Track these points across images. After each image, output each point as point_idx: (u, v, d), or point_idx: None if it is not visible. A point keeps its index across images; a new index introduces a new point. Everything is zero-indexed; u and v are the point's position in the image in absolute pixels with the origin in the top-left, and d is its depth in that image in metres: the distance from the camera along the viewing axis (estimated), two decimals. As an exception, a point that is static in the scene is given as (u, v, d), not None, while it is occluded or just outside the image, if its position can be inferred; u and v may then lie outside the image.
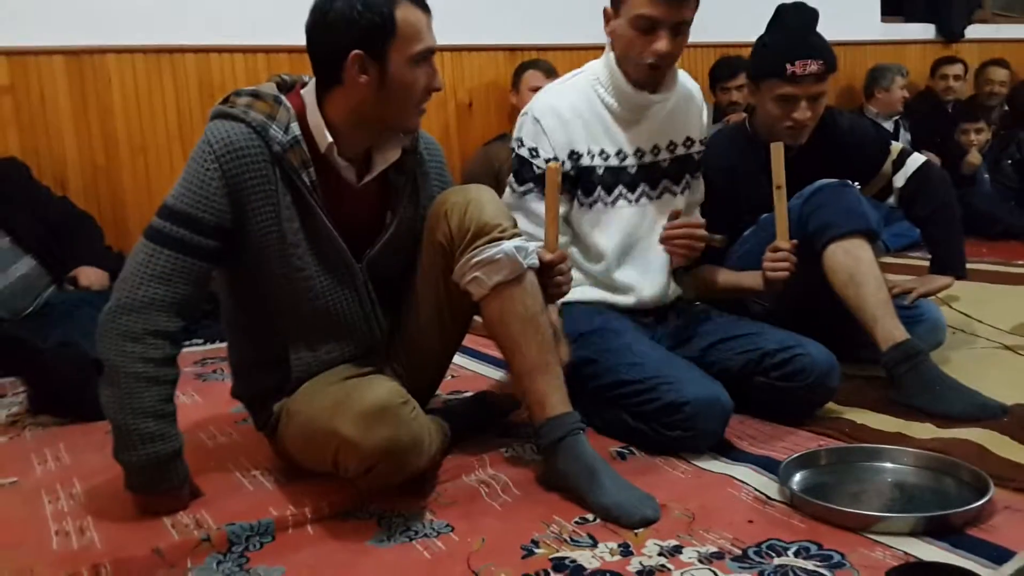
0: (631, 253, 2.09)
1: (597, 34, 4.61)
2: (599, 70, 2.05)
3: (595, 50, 2.06)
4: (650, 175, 2.10)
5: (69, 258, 2.91)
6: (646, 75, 1.97)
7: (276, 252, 1.63)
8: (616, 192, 2.06)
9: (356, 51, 1.56)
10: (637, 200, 2.08)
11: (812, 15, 2.26)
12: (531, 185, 2.02)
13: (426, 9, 1.62)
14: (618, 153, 2.06)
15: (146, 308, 1.55)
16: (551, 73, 4.00)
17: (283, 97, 1.64)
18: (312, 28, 1.61)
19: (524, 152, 2.03)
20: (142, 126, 3.51)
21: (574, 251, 2.08)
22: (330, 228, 1.65)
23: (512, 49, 4.25)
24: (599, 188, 2.05)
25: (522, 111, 2.09)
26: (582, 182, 2.04)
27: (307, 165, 1.62)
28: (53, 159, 3.36)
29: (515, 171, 2.05)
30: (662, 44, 1.91)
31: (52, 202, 3.07)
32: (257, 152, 1.58)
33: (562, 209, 1.99)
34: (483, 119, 4.23)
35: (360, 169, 1.70)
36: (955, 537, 1.41)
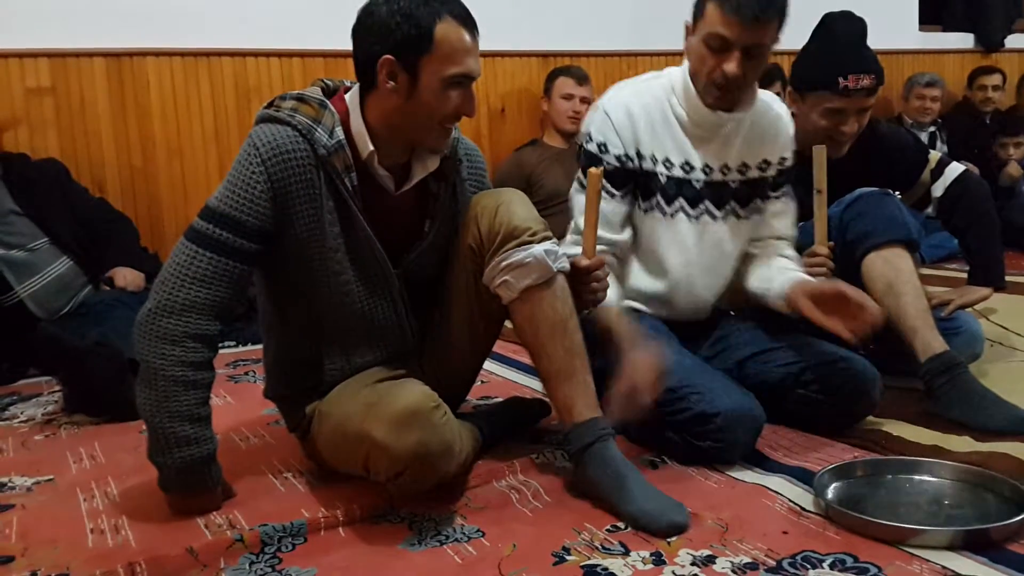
0: (688, 271, 2.02)
1: (630, 41, 4.62)
2: (676, 79, 1.97)
3: (628, 57, 2.05)
4: (716, 194, 2.00)
5: (105, 259, 2.94)
6: (714, 96, 1.89)
7: (316, 256, 1.64)
8: (676, 204, 1.99)
9: (388, 56, 1.56)
10: (698, 217, 2.00)
11: (862, 26, 2.24)
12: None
13: (473, 32, 1.60)
14: (684, 165, 1.97)
15: (186, 311, 1.56)
16: (583, 80, 4.00)
17: (328, 102, 1.64)
18: (354, 30, 1.62)
19: (592, 147, 1.96)
20: (179, 128, 3.55)
21: (635, 263, 2.04)
22: (370, 234, 1.66)
23: (545, 55, 4.25)
24: (658, 196, 1.98)
25: (594, 104, 2.04)
26: (642, 185, 1.98)
27: (350, 170, 1.62)
28: (91, 160, 3.40)
29: (582, 167, 1.97)
30: (731, 66, 1.82)
31: (90, 203, 3.10)
32: (303, 156, 1.59)
33: (623, 208, 1.97)
34: (515, 125, 4.23)
35: (398, 177, 1.70)
36: (994, 552, 1.39)
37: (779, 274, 1.98)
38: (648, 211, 1.99)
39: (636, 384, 1.71)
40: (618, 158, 1.94)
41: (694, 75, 1.91)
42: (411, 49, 1.56)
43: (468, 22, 1.60)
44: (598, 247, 1.82)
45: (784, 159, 2.07)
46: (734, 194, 2.02)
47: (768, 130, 2.03)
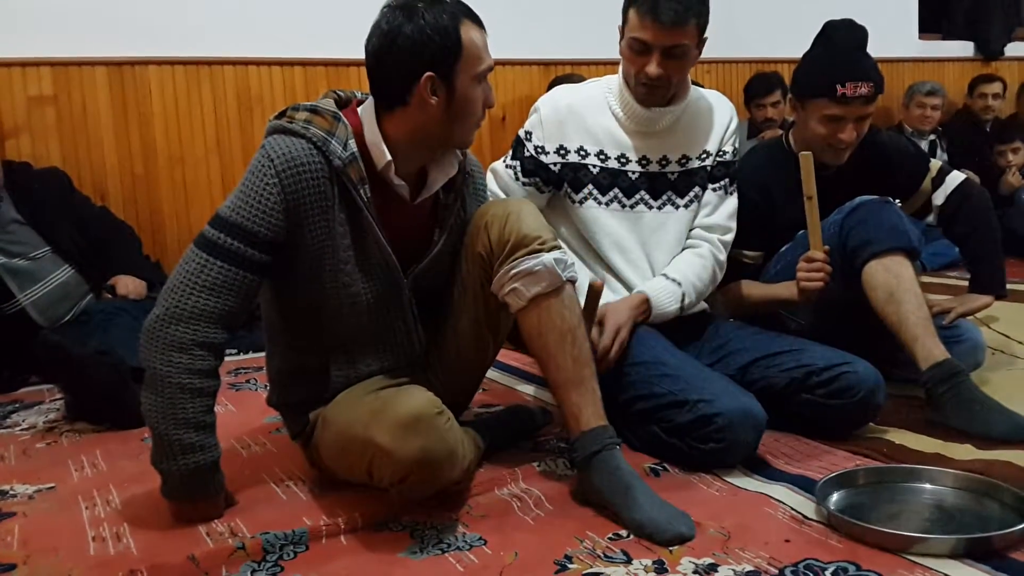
0: (626, 259, 2.09)
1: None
2: (613, 81, 2.11)
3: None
4: (653, 184, 2.10)
5: (107, 267, 2.94)
6: (641, 94, 2.02)
7: (327, 267, 1.64)
8: (611, 195, 2.08)
9: (429, 73, 1.58)
10: (633, 207, 2.09)
11: (863, 34, 2.24)
12: (517, 163, 2.11)
13: (483, 27, 1.66)
14: (620, 157, 2.08)
15: (195, 319, 1.56)
16: (584, 88, 4.01)
17: (340, 114, 1.65)
18: (379, 50, 1.61)
19: (521, 133, 2.13)
20: (180, 137, 3.56)
21: (576, 256, 2.11)
22: (384, 244, 1.66)
23: (546, 64, 4.27)
24: (591, 186, 2.08)
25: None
26: (571, 179, 2.08)
27: (364, 182, 1.63)
28: (93, 169, 3.41)
29: (512, 148, 2.14)
30: (651, 67, 1.96)
31: (92, 212, 3.11)
32: (317, 168, 1.59)
33: (537, 204, 1.98)
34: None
35: (413, 186, 1.71)
36: (996, 560, 1.39)
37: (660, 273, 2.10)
38: (582, 202, 2.09)
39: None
40: (536, 148, 2.08)
41: (625, 76, 2.05)
42: (446, 60, 1.59)
43: (477, 19, 1.65)
44: None
45: (724, 152, 2.15)
46: (672, 185, 2.12)
47: (705, 121, 2.14)
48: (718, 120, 2.15)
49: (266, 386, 1.89)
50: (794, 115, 2.34)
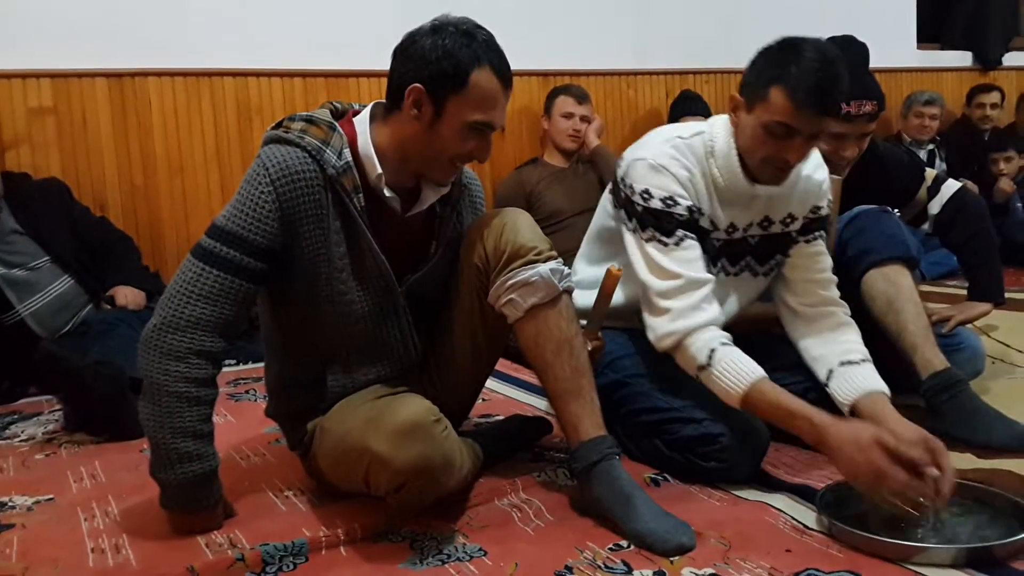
0: None
1: (630, 60, 4.64)
2: (718, 142, 1.86)
3: (628, 76, 2.04)
4: (733, 251, 1.95)
5: (106, 277, 2.94)
6: (770, 176, 1.83)
7: (322, 276, 1.65)
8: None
9: (417, 84, 1.58)
10: (716, 275, 1.90)
11: (865, 52, 2.25)
12: (681, 232, 1.82)
13: (507, 84, 1.62)
14: (710, 223, 1.90)
15: (191, 327, 1.56)
16: (583, 99, 4.02)
17: (336, 124, 1.66)
18: (395, 52, 1.64)
19: (657, 204, 1.82)
20: (180, 148, 3.56)
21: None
22: (377, 252, 1.66)
23: (545, 74, 4.27)
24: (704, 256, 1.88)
25: (633, 158, 1.88)
26: (700, 240, 1.87)
27: (358, 191, 1.63)
28: (93, 179, 3.41)
29: (653, 226, 1.82)
30: (795, 155, 1.76)
31: (91, 222, 3.11)
32: (312, 177, 1.60)
33: (699, 253, 1.83)
34: (515, 143, 4.25)
35: (406, 200, 1.71)
36: (998, 570, 1.39)
37: (838, 366, 1.85)
38: None
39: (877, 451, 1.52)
40: (689, 209, 1.83)
41: (746, 153, 1.83)
42: (443, 84, 1.58)
43: (504, 75, 1.62)
44: (702, 292, 1.78)
45: (818, 208, 1.98)
46: (752, 250, 1.97)
47: (797, 188, 1.94)
48: (809, 184, 1.95)
49: (265, 397, 1.88)
50: None
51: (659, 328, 1.79)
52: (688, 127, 1.94)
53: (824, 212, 1.99)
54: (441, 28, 1.60)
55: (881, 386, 1.79)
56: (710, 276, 1.82)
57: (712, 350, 1.74)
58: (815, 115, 1.71)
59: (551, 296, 1.67)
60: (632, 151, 1.92)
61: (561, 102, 4.00)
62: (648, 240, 1.84)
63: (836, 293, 1.97)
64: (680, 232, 1.82)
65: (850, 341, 1.89)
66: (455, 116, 1.60)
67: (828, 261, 2.00)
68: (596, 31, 4.40)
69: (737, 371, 1.71)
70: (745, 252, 1.96)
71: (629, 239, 1.88)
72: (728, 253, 1.95)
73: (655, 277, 1.82)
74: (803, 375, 1.92)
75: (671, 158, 1.85)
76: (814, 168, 1.97)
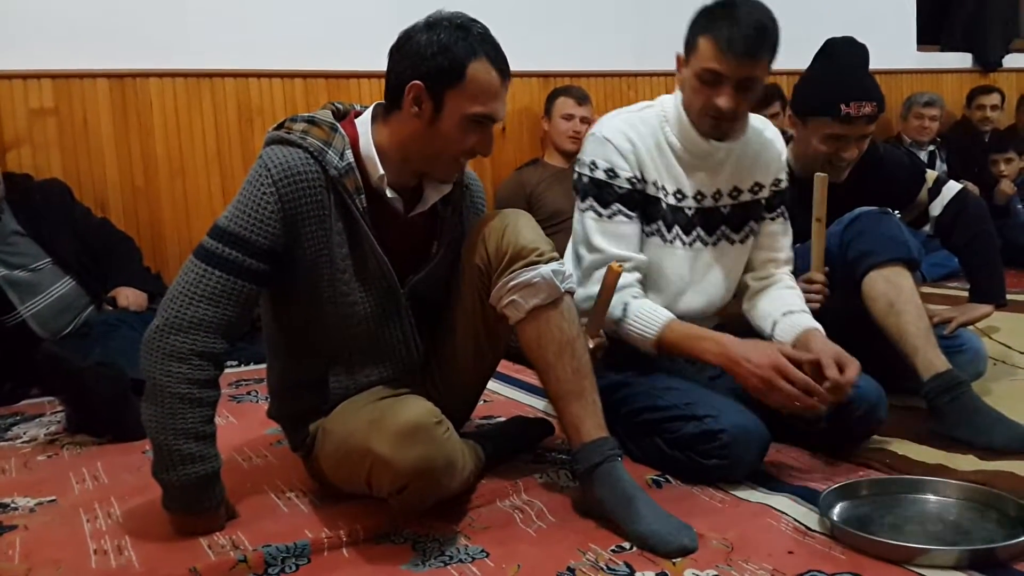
0: (682, 296, 2.02)
1: (630, 62, 4.64)
2: (668, 108, 1.98)
3: (628, 77, 2.05)
4: (707, 220, 2.02)
5: (108, 279, 2.94)
6: (709, 126, 1.92)
7: (324, 277, 1.65)
8: (674, 232, 1.99)
9: (416, 81, 1.58)
10: (691, 244, 2.01)
11: (864, 53, 2.25)
12: (617, 206, 1.94)
13: (504, 76, 1.63)
14: (677, 192, 1.98)
15: (193, 328, 1.56)
16: (583, 100, 4.02)
17: (338, 125, 1.66)
18: (392, 51, 1.65)
19: (600, 175, 1.94)
20: (181, 149, 3.56)
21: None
22: (380, 253, 1.67)
23: (545, 76, 4.28)
24: (660, 222, 1.98)
25: (588, 133, 2.03)
26: (647, 209, 1.97)
27: (360, 192, 1.63)
28: (94, 180, 3.41)
29: (594, 196, 1.94)
30: (724, 100, 1.85)
31: (92, 223, 3.11)
32: (314, 177, 1.60)
33: (639, 230, 1.96)
34: (516, 144, 4.25)
35: (408, 200, 1.71)
36: (1000, 571, 1.38)
37: (780, 316, 1.97)
38: (650, 235, 1.99)
39: (771, 368, 1.71)
40: (629, 180, 1.93)
41: (688, 106, 1.93)
42: (441, 79, 1.58)
43: (501, 66, 1.63)
44: (626, 265, 1.89)
45: (779, 180, 2.07)
46: (725, 219, 2.04)
47: (760, 154, 2.04)
48: (771, 151, 2.06)
49: (267, 398, 1.89)
50: (794, 131, 2.34)
51: (579, 294, 1.88)
52: (641, 104, 2.06)
53: (783, 186, 2.09)
54: (435, 24, 1.60)
55: (816, 325, 1.93)
56: (633, 255, 1.93)
57: (625, 304, 1.88)
58: (738, 60, 1.81)
59: (553, 297, 1.67)
60: (593, 127, 2.05)
61: (561, 103, 4.00)
62: (586, 211, 1.96)
63: (788, 269, 2.11)
64: (616, 206, 1.94)
65: (791, 297, 2.03)
66: (455, 110, 1.60)
67: (788, 240, 2.12)
68: (596, 32, 4.41)
69: (648, 318, 1.87)
70: (719, 221, 2.04)
71: (576, 213, 2.01)
72: (703, 222, 2.02)
73: (584, 250, 1.97)
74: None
75: (617, 131, 1.96)
76: (774, 136, 2.08)
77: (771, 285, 2.07)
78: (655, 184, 1.97)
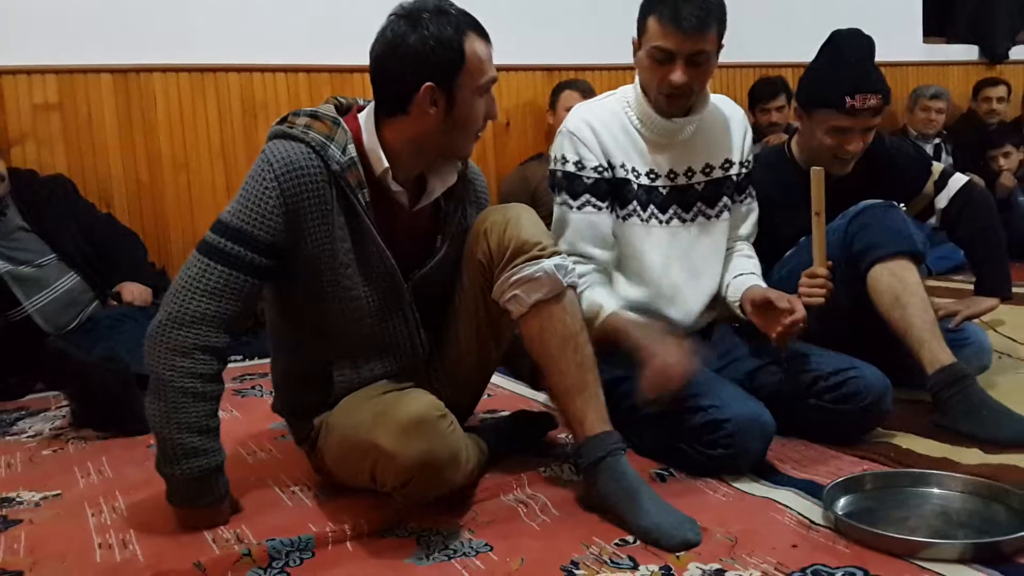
0: (668, 276, 2.04)
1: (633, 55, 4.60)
2: (629, 93, 2.05)
3: (632, 70, 2.06)
4: (683, 197, 2.06)
5: (112, 274, 2.95)
6: (665, 104, 1.97)
7: (327, 271, 1.65)
8: (649, 211, 2.03)
9: (428, 84, 1.58)
10: (668, 222, 2.05)
11: (870, 45, 2.23)
12: (587, 197, 1.99)
13: (488, 40, 1.65)
14: (649, 173, 2.03)
15: (196, 323, 1.57)
16: (588, 93, 4.01)
17: (341, 119, 1.66)
18: (381, 58, 1.63)
19: (570, 167, 2.00)
20: (185, 143, 3.56)
21: (616, 275, 2.05)
22: (383, 248, 1.67)
23: (550, 69, 4.27)
24: (635, 203, 2.02)
25: (557, 131, 2.08)
26: (618, 193, 2.02)
27: (362, 186, 1.63)
28: (98, 176, 3.42)
29: (565, 188, 2.00)
30: (676, 75, 1.91)
31: (97, 219, 3.11)
32: (316, 172, 1.60)
33: (610, 222, 2.00)
34: (520, 138, 4.24)
35: (412, 193, 1.71)
36: (1005, 565, 1.38)
37: (732, 278, 2.07)
38: (626, 218, 2.03)
39: (666, 364, 1.73)
40: (596, 169, 1.99)
41: (645, 87, 2.00)
42: (448, 72, 1.59)
43: (483, 32, 1.65)
44: (587, 265, 1.94)
45: (747, 161, 2.13)
46: (700, 196, 2.07)
47: (726, 129, 2.10)
48: (735, 128, 2.12)
49: (271, 392, 1.89)
50: (799, 123, 2.33)
51: None
52: (604, 93, 2.14)
53: (752, 166, 2.15)
54: (416, 19, 1.59)
55: (761, 282, 2.03)
56: (596, 253, 1.98)
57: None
58: (685, 35, 1.86)
59: (555, 292, 1.66)
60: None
61: (566, 97, 3.99)
62: (560, 204, 2.02)
63: (745, 246, 2.17)
64: (585, 196, 1.99)
65: (744, 264, 2.10)
66: (465, 92, 1.62)
67: (754, 216, 2.19)
68: (600, 26, 4.38)
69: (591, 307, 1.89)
70: (695, 199, 2.07)
71: (554, 208, 2.05)
72: (679, 200, 2.06)
73: (561, 243, 1.97)
74: (808, 366, 1.94)
75: (581, 121, 2.02)
76: (732, 115, 2.12)
77: (731, 255, 2.14)
78: (623, 167, 2.02)
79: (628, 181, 2.02)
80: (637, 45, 1.99)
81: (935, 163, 2.51)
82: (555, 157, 2.04)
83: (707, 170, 2.08)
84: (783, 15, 4.69)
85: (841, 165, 2.24)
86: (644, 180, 2.03)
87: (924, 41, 5.54)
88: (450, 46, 1.58)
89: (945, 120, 4.93)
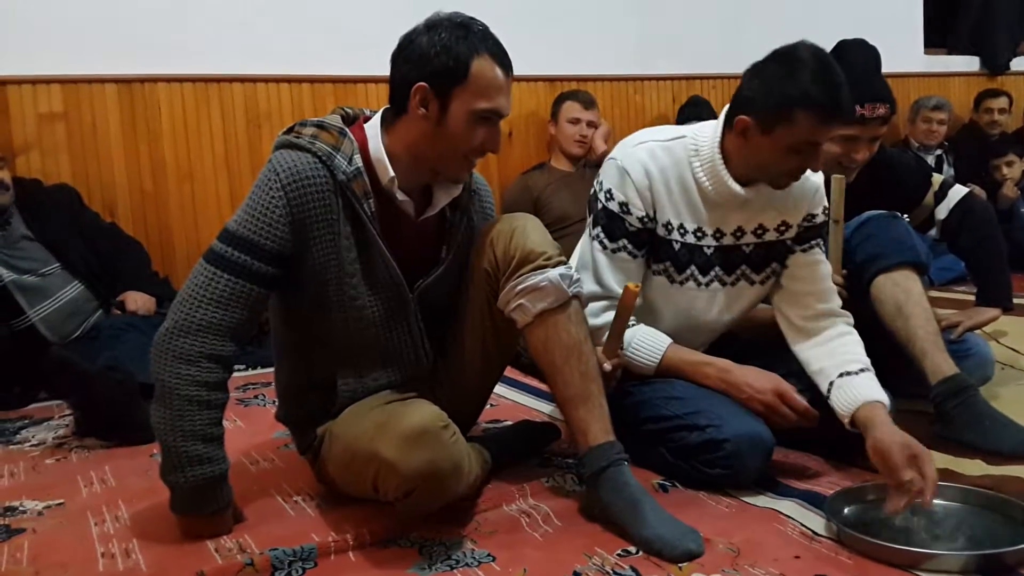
0: (684, 334, 1.96)
1: (636, 66, 4.62)
2: (702, 146, 1.87)
3: (634, 81, 2.04)
4: (726, 259, 1.94)
5: (117, 283, 2.95)
6: (786, 183, 1.84)
7: (332, 281, 1.65)
8: (688, 272, 1.93)
9: (421, 83, 1.59)
10: (708, 284, 1.95)
11: (876, 56, 2.26)
12: (624, 242, 1.89)
13: (507, 71, 1.64)
14: (697, 231, 1.91)
15: (203, 331, 1.57)
16: (590, 104, 4.02)
17: (347, 129, 1.67)
18: (394, 55, 1.66)
19: (614, 206, 1.88)
20: (189, 153, 3.57)
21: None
22: (388, 258, 1.67)
23: (552, 80, 4.28)
24: (669, 263, 1.92)
25: (609, 156, 1.94)
26: (655, 247, 1.92)
27: (368, 196, 1.64)
28: (103, 185, 3.42)
29: (603, 226, 1.90)
30: (817, 164, 1.80)
31: (101, 228, 3.12)
32: (322, 182, 1.61)
33: (643, 270, 1.93)
34: (522, 148, 4.25)
35: (418, 204, 1.72)
36: (1008, 576, 1.38)
37: (837, 377, 1.82)
38: (656, 274, 1.95)
39: (772, 393, 1.79)
40: (640, 219, 1.88)
41: (760, 169, 1.82)
42: (445, 79, 1.59)
43: (504, 61, 1.63)
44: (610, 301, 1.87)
45: (812, 216, 1.96)
46: (747, 258, 1.96)
47: (794, 194, 1.92)
48: (806, 188, 1.93)
49: (275, 401, 1.89)
50: None
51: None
52: (671, 130, 1.96)
53: (819, 220, 1.98)
54: (436, 25, 1.61)
55: (877, 395, 1.76)
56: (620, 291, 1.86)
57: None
58: (841, 124, 1.85)
59: (560, 301, 1.67)
60: (616, 148, 1.97)
61: (568, 107, 4.00)
62: (594, 239, 1.93)
63: (837, 303, 1.96)
64: (623, 241, 1.89)
65: (849, 352, 1.86)
66: (461, 108, 1.61)
67: (827, 269, 1.99)
68: (602, 36, 4.41)
69: (650, 345, 1.90)
70: (740, 261, 1.96)
71: (585, 233, 1.97)
72: (722, 262, 1.95)
73: (588, 277, 1.91)
74: (808, 381, 1.91)
75: (638, 163, 1.88)
76: (808, 177, 1.94)
77: (824, 330, 1.91)
78: (667, 225, 1.90)
79: (669, 242, 1.91)
80: (755, 128, 1.76)
81: (935, 174, 2.52)
82: (601, 186, 1.92)
83: (759, 231, 1.94)
84: (784, 28, 4.69)
85: (846, 174, 2.24)
86: (690, 239, 1.91)
87: (925, 52, 5.55)
88: (456, 57, 1.58)
89: (947, 131, 4.94)
